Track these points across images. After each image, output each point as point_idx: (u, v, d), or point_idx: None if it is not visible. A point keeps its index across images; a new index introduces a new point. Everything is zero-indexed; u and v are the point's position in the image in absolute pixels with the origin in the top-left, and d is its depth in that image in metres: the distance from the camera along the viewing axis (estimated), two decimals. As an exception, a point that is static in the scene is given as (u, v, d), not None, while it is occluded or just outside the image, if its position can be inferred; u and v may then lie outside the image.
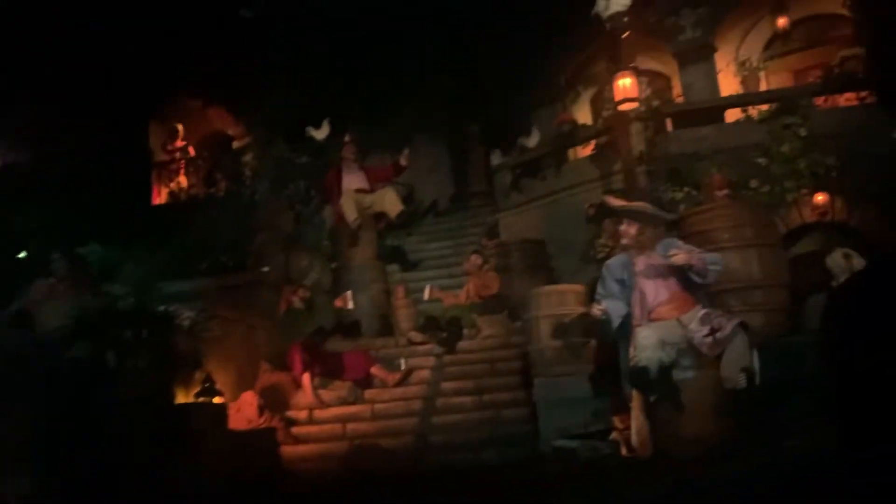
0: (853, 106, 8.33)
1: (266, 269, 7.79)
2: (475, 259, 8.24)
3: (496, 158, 10.02)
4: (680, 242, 5.06)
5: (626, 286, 5.00)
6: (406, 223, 10.84)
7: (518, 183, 9.81)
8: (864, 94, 8.30)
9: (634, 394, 4.81)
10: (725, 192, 6.27)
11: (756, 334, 4.85)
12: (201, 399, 5.74)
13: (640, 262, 4.98)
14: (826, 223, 8.18)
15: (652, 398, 4.64)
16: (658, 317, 4.82)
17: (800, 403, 5.59)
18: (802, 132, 8.15)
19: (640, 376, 4.59)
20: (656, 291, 4.88)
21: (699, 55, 10.02)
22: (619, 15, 6.18)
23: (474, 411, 6.34)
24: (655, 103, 8.47)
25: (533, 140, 9.83)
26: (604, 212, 5.29)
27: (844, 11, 9.19)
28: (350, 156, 8.89)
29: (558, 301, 5.70)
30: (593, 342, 5.64)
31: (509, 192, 9.87)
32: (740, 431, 4.78)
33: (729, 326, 4.62)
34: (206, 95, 11.68)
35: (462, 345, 7.55)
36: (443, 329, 7.63)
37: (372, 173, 8.88)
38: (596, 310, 4.95)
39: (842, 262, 5.77)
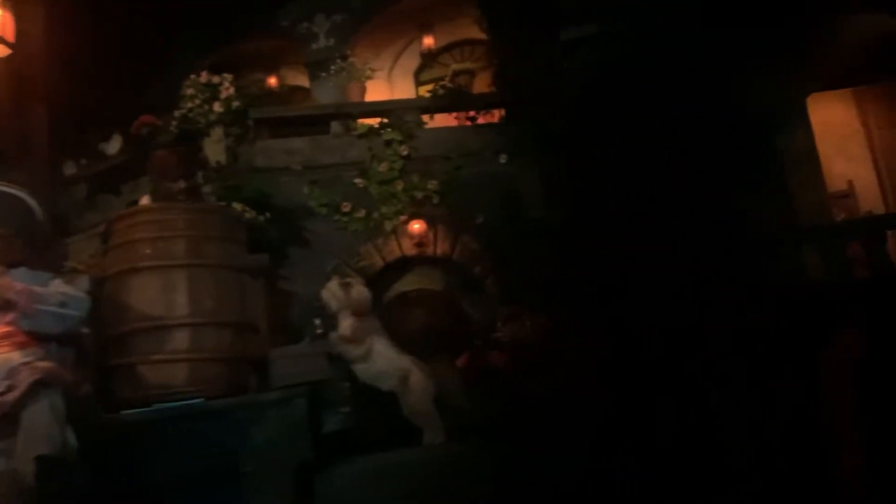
0: (463, 126, 7.33)
1: None
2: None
3: (69, 168, 7.86)
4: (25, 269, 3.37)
5: None
6: None
7: (94, 200, 7.72)
8: (473, 113, 7.33)
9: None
10: (183, 184, 4.31)
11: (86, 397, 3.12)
12: None
13: None
14: (429, 257, 7.00)
15: None
16: None
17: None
18: (404, 151, 7.00)
19: None
20: None
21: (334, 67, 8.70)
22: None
23: None
24: (236, 104, 6.88)
25: (114, 146, 7.82)
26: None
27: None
28: None
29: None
30: None
31: (83, 210, 7.72)
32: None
33: (25, 384, 2.83)
34: None
35: None
36: None
37: None
38: None
39: (339, 293, 4.32)
